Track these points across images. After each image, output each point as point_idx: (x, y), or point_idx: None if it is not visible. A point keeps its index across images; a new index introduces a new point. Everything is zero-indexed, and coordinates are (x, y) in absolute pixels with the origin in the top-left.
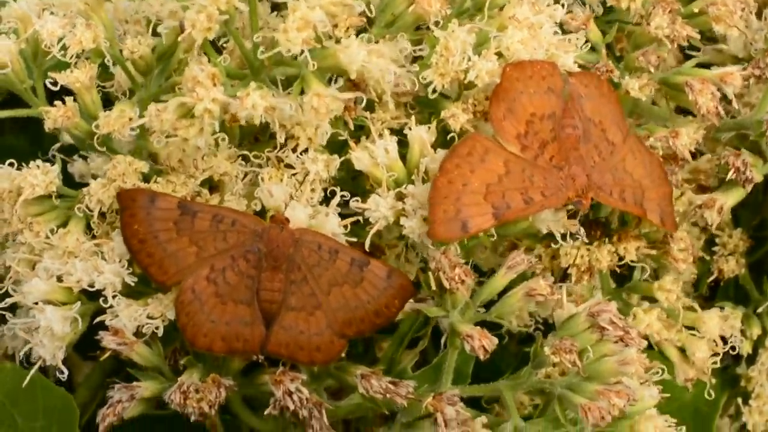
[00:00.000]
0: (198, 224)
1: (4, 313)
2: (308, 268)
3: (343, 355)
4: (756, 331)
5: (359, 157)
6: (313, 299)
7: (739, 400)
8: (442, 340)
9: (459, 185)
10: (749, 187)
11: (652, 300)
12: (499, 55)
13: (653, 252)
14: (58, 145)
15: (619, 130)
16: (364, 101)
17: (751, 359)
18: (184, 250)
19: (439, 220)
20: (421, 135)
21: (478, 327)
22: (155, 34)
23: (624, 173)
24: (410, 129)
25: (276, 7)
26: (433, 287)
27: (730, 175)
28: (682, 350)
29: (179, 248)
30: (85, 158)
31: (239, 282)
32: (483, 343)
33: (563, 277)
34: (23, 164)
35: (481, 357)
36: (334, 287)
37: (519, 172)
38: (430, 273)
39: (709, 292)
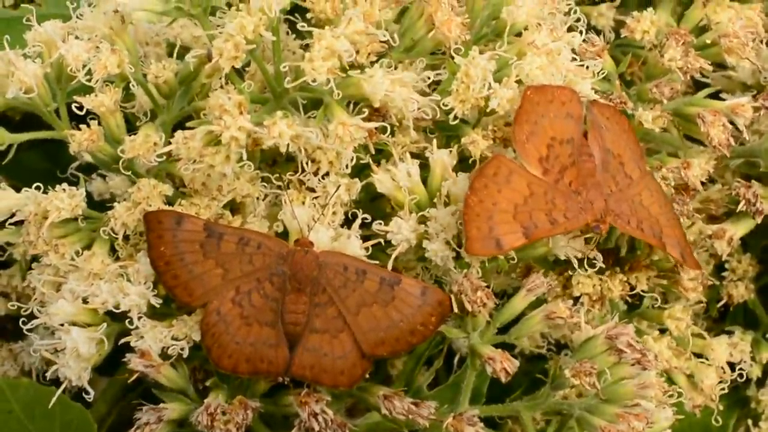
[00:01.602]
0: (224, 246)
1: (28, 333)
2: (334, 290)
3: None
4: (765, 355)
5: (382, 180)
6: (337, 322)
7: (749, 422)
8: (455, 360)
9: (489, 204)
10: (759, 219)
11: (662, 326)
12: (519, 82)
13: (664, 282)
14: (76, 163)
15: (637, 166)
16: (389, 129)
17: (761, 382)
18: (210, 272)
19: (473, 237)
20: (442, 159)
21: (500, 350)
22: (176, 56)
23: (640, 207)
24: (431, 153)
25: (294, 29)
26: (455, 310)
27: (741, 206)
28: (690, 377)
29: (205, 270)
30: (103, 177)
31: (264, 304)
32: (505, 365)
33: (574, 305)
34: (43, 185)
35: (503, 380)
36: (363, 308)
37: (542, 194)
38: (452, 295)
39: (719, 314)
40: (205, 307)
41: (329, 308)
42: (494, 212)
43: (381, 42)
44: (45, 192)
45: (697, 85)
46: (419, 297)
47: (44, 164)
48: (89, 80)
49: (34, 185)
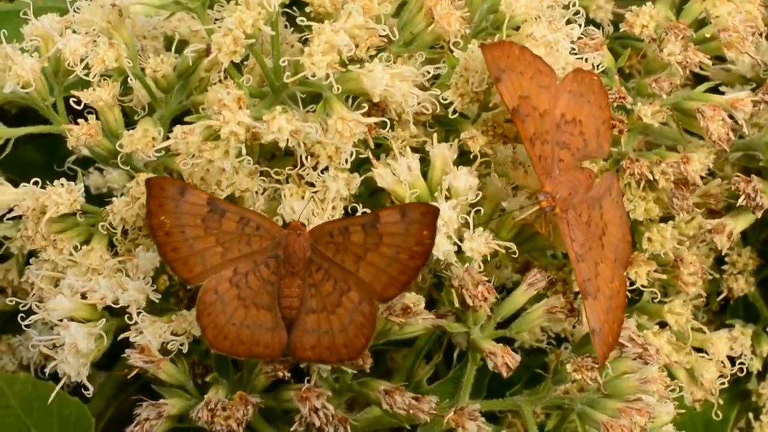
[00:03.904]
0: (225, 224)
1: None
2: (330, 263)
3: (368, 369)
4: (766, 348)
5: (382, 174)
6: (333, 297)
7: (750, 415)
8: (455, 354)
9: (519, 70)
10: (759, 214)
11: (662, 321)
12: None
13: (663, 276)
14: (73, 157)
15: (614, 256)
16: (388, 124)
17: (762, 375)
18: (211, 250)
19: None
20: (443, 152)
21: (501, 344)
22: (174, 50)
23: (593, 263)
24: (432, 147)
25: (293, 23)
26: (456, 304)
27: (741, 201)
28: (690, 371)
29: (206, 247)
30: (100, 170)
31: (261, 287)
32: (506, 360)
33: (575, 299)
34: (40, 179)
35: (504, 374)
36: (360, 261)
37: (544, 129)
38: (453, 290)
39: (719, 307)
40: (203, 285)
41: (324, 285)
42: (519, 68)
43: (380, 36)
44: (42, 186)
45: (696, 78)
46: (402, 220)
47: (41, 158)
48: (87, 74)
49: (32, 180)
